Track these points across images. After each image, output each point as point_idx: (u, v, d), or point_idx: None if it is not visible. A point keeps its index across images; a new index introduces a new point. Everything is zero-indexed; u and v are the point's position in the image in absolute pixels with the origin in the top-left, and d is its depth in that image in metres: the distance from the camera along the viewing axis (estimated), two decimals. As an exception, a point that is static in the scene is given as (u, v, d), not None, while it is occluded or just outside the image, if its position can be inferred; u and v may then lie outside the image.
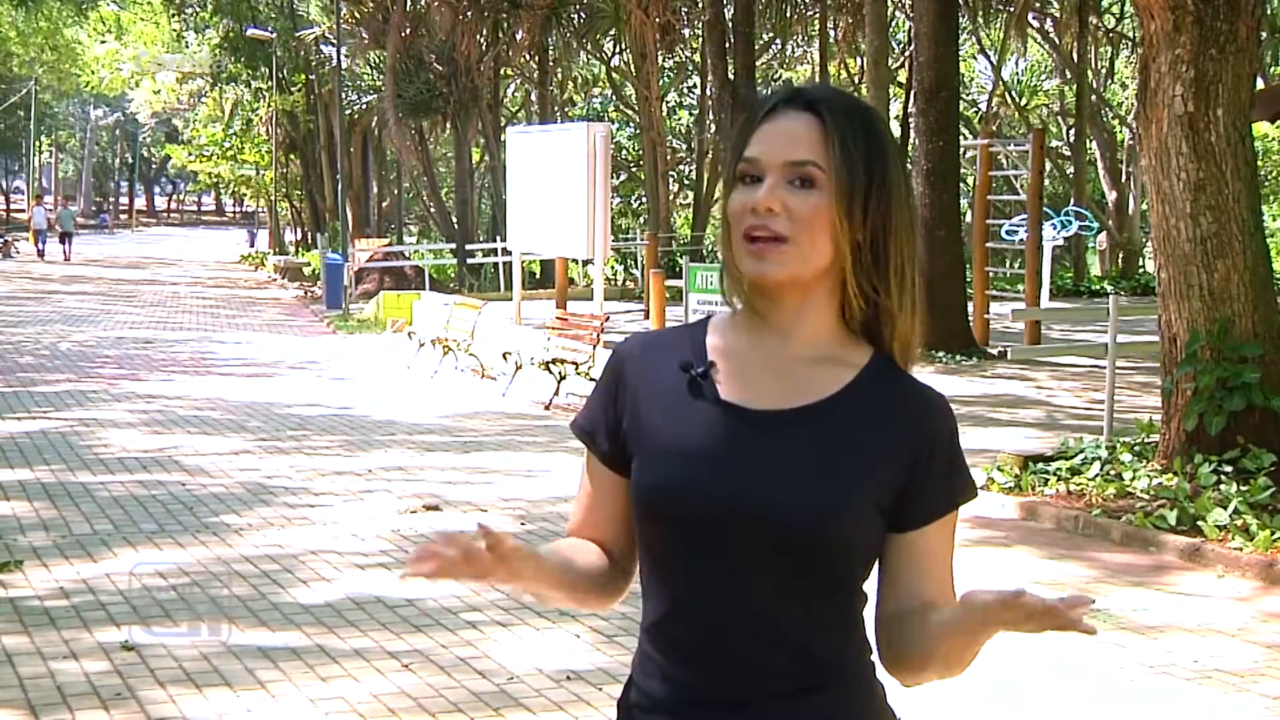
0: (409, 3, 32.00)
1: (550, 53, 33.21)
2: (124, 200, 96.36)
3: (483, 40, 32.08)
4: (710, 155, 31.25)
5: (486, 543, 1.67)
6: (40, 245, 46.67)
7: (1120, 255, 33.50)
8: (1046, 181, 23.10)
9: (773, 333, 1.85)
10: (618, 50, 32.45)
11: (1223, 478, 8.56)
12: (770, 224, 1.78)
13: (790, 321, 1.84)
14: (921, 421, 1.85)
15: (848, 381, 1.84)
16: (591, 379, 13.46)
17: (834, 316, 1.86)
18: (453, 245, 33.30)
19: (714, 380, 1.85)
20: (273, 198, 50.68)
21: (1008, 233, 20.60)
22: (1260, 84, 19.79)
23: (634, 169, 35.76)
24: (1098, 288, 27.37)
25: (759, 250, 1.79)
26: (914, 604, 1.84)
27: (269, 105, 43.85)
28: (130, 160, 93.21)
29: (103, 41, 53.35)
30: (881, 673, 1.89)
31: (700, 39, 29.58)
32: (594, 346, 14.17)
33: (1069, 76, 33.47)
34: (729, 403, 1.84)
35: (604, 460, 1.92)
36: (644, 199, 32.21)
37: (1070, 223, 23.65)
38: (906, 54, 27.40)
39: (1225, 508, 8.05)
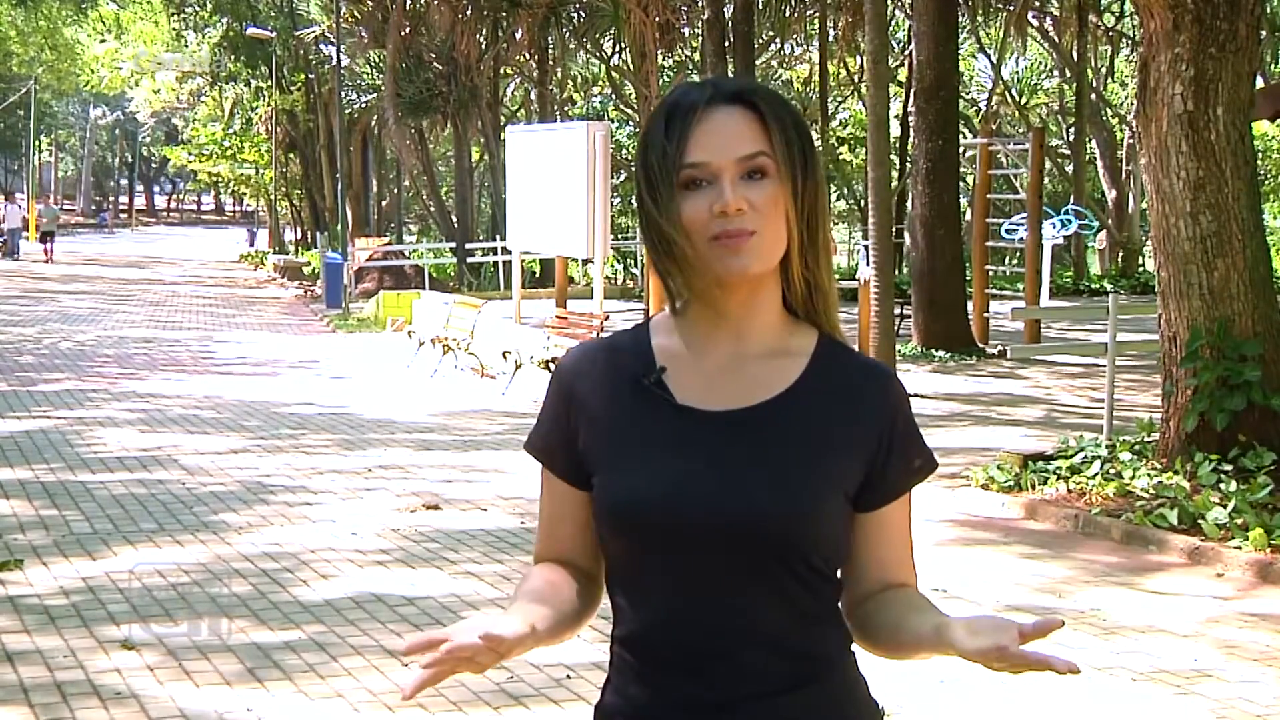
0: (408, 2, 31.98)
1: (550, 52, 33.21)
2: (124, 199, 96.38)
3: (482, 39, 32.07)
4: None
5: (489, 645, 1.66)
6: (13, 245, 43.26)
7: (1120, 254, 33.48)
8: (1046, 180, 23.10)
9: (724, 330, 1.83)
10: (617, 49, 32.42)
11: (1223, 476, 8.55)
12: (741, 224, 1.75)
13: (746, 315, 1.83)
14: (879, 400, 1.85)
15: (801, 371, 1.84)
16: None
17: (780, 304, 1.85)
18: (452, 244, 33.30)
19: (667, 385, 1.83)
20: (272, 197, 50.67)
21: (1007, 231, 20.58)
22: (1260, 82, 19.79)
23: (634, 168, 35.76)
24: (1097, 286, 27.35)
25: (733, 246, 1.75)
26: (881, 584, 1.84)
27: (269, 104, 43.84)
28: (130, 159, 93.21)
29: (102, 41, 53.35)
30: (862, 660, 1.89)
31: (700, 38, 29.55)
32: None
33: (1069, 75, 33.46)
34: (686, 406, 1.82)
35: (563, 477, 1.89)
36: (644, 198, 32.15)
37: (1070, 221, 23.61)
38: (906, 53, 27.35)
39: (1225, 506, 8.05)
